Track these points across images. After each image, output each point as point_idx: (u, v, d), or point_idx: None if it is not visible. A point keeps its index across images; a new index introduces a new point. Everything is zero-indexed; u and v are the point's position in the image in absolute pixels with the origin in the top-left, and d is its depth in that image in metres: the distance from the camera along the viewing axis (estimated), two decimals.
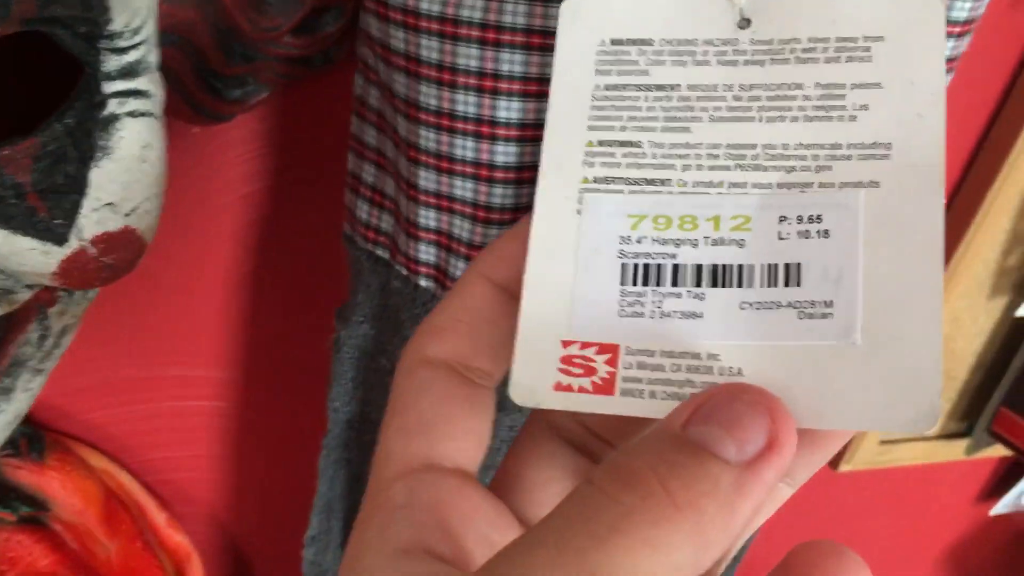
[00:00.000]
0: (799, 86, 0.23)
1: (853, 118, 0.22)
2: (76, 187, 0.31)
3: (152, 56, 0.33)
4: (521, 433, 0.24)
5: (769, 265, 0.21)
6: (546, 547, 0.16)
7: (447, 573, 0.18)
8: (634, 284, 0.22)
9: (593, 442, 0.23)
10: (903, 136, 0.21)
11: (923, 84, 0.22)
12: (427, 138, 0.37)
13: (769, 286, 0.21)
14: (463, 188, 0.37)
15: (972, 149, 0.60)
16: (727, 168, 0.22)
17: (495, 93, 0.35)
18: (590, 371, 0.22)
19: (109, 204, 0.32)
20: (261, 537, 0.59)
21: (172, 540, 0.53)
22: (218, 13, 0.37)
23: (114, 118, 0.32)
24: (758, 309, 0.21)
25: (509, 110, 0.36)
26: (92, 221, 0.31)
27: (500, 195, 0.37)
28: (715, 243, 0.22)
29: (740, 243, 0.22)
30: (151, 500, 0.53)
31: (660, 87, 0.23)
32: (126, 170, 0.32)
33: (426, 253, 0.39)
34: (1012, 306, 0.67)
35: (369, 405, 0.46)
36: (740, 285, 0.21)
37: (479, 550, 0.20)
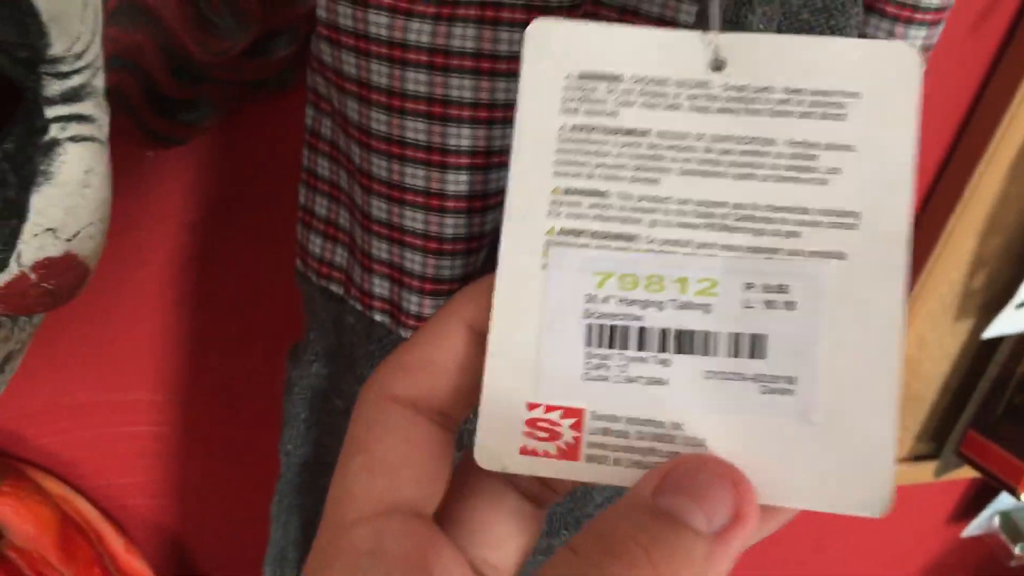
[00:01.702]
0: (772, 142, 0.22)
1: (824, 182, 0.22)
2: (16, 212, 0.31)
3: (97, 80, 0.33)
4: (460, 474, 0.23)
5: (734, 335, 0.21)
6: None
7: None
8: (599, 346, 0.22)
9: (533, 483, 0.23)
10: (872, 206, 0.21)
11: (896, 151, 0.21)
12: (379, 166, 0.36)
13: (734, 356, 0.21)
14: (413, 219, 0.37)
15: (936, 171, 0.61)
16: (695, 227, 0.22)
17: (445, 120, 0.35)
18: (555, 435, 0.22)
19: (50, 230, 0.32)
20: (221, 563, 0.58)
21: (131, 567, 0.53)
22: (167, 36, 0.37)
23: (55, 143, 0.31)
24: (723, 379, 0.21)
25: (460, 137, 0.35)
26: (32, 247, 0.31)
27: (452, 225, 0.36)
28: (681, 307, 0.22)
29: (706, 308, 0.21)
30: (109, 526, 0.52)
31: (629, 132, 0.23)
32: (68, 195, 0.32)
33: (380, 287, 0.38)
34: (978, 328, 0.67)
35: (323, 448, 0.44)
36: (705, 353, 0.21)
37: None
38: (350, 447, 0.21)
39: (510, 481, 0.23)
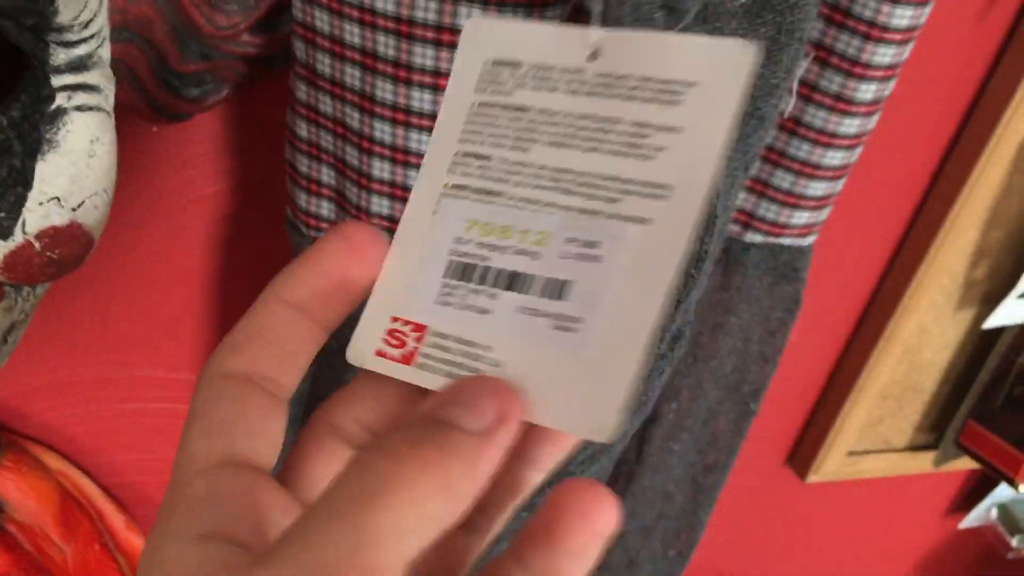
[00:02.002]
0: (618, 121, 0.26)
1: (649, 157, 0.25)
2: (21, 180, 0.31)
3: (103, 51, 0.33)
4: (303, 434, 0.26)
5: (548, 279, 0.25)
6: (320, 518, 0.20)
7: (240, 554, 0.21)
8: (452, 279, 0.26)
9: (365, 436, 0.26)
10: (682, 181, 0.24)
11: (712, 134, 0.24)
12: (382, 131, 0.39)
13: (542, 297, 0.25)
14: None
15: (938, 161, 0.61)
16: (546, 188, 0.26)
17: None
18: (402, 344, 0.26)
19: (55, 198, 0.32)
20: None
21: (131, 543, 0.53)
22: (175, 10, 0.37)
23: (62, 112, 0.32)
24: (529, 315, 0.25)
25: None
26: (37, 215, 0.31)
27: None
28: (518, 252, 0.26)
29: (535, 255, 0.25)
30: (109, 503, 0.52)
31: (518, 108, 0.27)
32: (73, 164, 0.32)
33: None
34: (979, 318, 0.67)
35: (317, 382, 0.47)
36: (523, 292, 0.25)
37: (274, 535, 0.22)
38: (190, 419, 0.24)
39: (343, 438, 0.26)
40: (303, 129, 0.42)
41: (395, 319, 0.26)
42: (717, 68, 0.25)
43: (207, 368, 0.25)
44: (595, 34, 0.26)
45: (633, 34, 0.26)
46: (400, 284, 0.27)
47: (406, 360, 0.26)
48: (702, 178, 0.24)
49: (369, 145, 0.40)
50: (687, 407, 0.53)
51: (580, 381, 0.24)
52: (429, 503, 0.20)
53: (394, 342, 0.26)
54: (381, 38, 0.37)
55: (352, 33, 0.38)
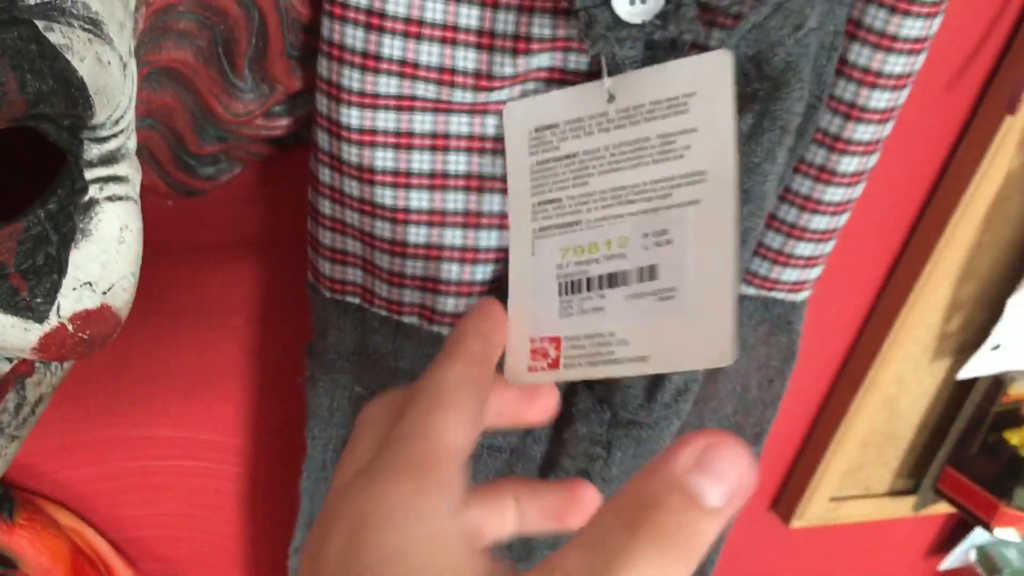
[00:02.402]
0: (647, 139, 0.33)
1: (681, 156, 0.32)
2: (57, 268, 0.33)
3: (131, 142, 0.35)
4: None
5: (639, 268, 0.32)
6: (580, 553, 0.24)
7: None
8: (565, 295, 0.34)
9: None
10: (712, 164, 0.31)
11: (722, 124, 0.31)
12: (419, 199, 0.43)
13: (640, 282, 0.32)
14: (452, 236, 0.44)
15: (913, 220, 0.63)
16: (611, 205, 0.33)
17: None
18: (546, 355, 0.33)
19: (87, 283, 0.34)
20: None
21: None
22: (195, 99, 0.39)
23: (94, 202, 0.34)
24: (636, 298, 0.32)
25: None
26: (71, 300, 0.33)
27: (485, 238, 0.44)
28: (608, 258, 0.33)
29: (622, 256, 0.33)
30: (118, 558, 0.54)
31: (568, 156, 0.34)
32: (104, 251, 0.34)
33: (411, 296, 0.44)
34: (954, 369, 0.69)
35: (346, 428, 0.49)
36: (624, 284, 0.32)
37: None
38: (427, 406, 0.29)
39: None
40: (326, 208, 0.44)
41: (532, 340, 0.34)
42: (706, 76, 0.31)
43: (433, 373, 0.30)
44: (607, 82, 0.34)
45: (636, 72, 0.33)
46: (527, 314, 0.34)
47: (554, 366, 0.33)
48: (727, 157, 0.31)
49: (405, 216, 0.42)
50: None
51: (694, 329, 0.30)
52: (679, 571, 0.24)
53: (539, 356, 0.34)
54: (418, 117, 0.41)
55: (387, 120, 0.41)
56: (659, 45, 0.38)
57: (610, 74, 0.34)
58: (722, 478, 0.25)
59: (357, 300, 0.46)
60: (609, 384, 0.46)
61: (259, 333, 0.51)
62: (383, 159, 0.41)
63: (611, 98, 0.34)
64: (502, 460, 0.49)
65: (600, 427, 0.47)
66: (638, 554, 0.24)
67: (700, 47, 0.40)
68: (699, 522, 0.25)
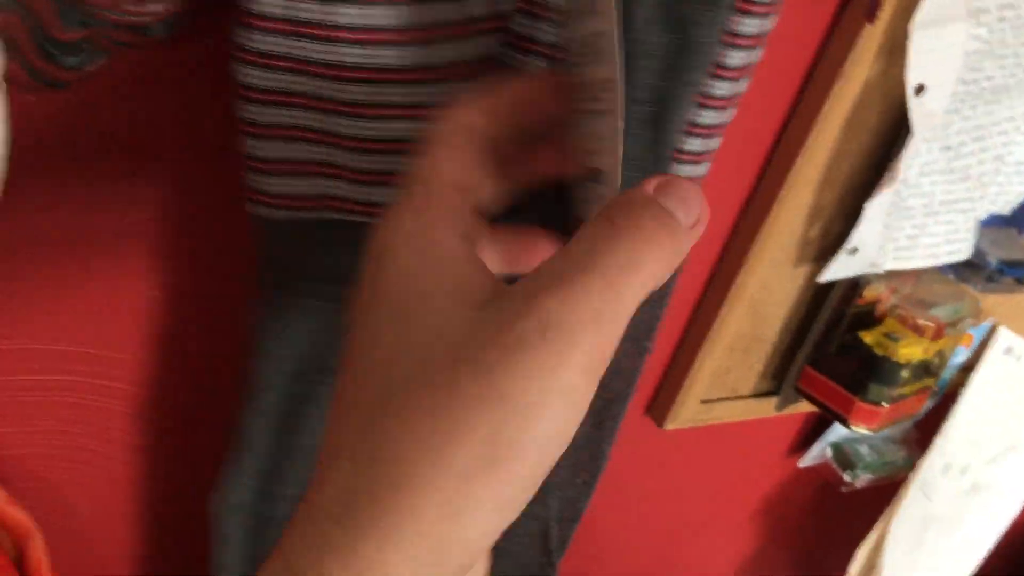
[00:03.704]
0: None
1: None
2: None
3: None
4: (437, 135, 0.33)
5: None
6: (578, 269, 0.27)
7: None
8: None
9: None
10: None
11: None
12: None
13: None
14: None
15: (777, 130, 0.66)
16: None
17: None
18: None
19: None
20: (104, 515, 0.58)
21: (12, 517, 0.52)
22: None
23: None
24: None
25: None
26: None
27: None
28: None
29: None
30: None
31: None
32: None
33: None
34: (814, 273, 0.73)
35: (303, 347, 0.48)
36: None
37: None
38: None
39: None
40: (266, 113, 0.43)
41: None
42: None
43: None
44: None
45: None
46: None
47: None
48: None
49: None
50: None
51: None
52: (659, 267, 0.27)
53: None
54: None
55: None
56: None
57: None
58: (687, 202, 0.28)
59: (317, 214, 0.44)
60: None
61: (157, 231, 0.50)
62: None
63: None
64: None
65: None
66: (627, 244, 0.27)
67: None
68: (678, 231, 0.28)
